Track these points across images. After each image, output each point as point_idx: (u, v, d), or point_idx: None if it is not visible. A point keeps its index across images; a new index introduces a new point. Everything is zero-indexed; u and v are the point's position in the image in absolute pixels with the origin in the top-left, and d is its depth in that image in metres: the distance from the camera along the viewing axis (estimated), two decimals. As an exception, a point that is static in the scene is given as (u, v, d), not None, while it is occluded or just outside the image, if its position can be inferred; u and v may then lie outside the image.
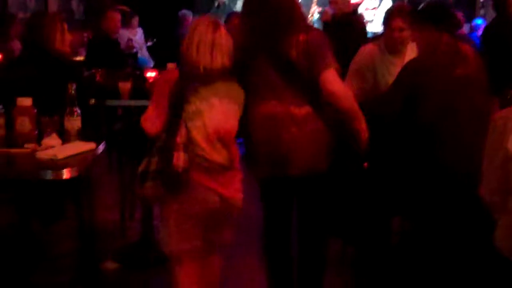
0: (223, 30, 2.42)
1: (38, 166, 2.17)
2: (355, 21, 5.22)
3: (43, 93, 2.66)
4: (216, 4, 12.62)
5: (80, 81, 2.74)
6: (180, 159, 2.31)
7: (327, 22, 5.37)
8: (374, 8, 11.11)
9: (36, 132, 2.43)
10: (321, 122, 2.58)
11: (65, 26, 3.35)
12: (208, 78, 2.39)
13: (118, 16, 5.95)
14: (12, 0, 6.95)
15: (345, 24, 5.03)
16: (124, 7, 6.47)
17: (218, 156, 2.42)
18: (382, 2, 11.45)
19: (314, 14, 12.20)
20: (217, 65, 2.38)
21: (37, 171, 2.12)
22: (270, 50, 2.56)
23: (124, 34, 8.28)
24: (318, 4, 12.15)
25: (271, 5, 2.57)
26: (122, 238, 4.29)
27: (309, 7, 12.19)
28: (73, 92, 2.43)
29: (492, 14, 6.47)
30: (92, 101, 3.45)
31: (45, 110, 2.48)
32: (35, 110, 2.45)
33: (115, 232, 4.33)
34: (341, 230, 3.15)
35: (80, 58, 7.27)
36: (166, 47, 9.17)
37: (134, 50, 8.52)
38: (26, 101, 2.41)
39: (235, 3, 13.60)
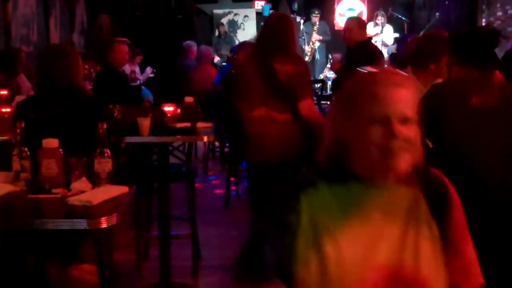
0: None
1: (71, 213, 1.99)
2: (371, 47, 5.12)
3: (70, 133, 2.50)
4: (216, 33, 12.61)
5: (105, 118, 2.57)
6: None
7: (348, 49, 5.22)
8: (376, 35, 11.11)
9: (64, 175, 2.26)
10: (297, 125, 3.56)
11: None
12: None
13: (125, 49, 5.84)
14: (15, 34, 6.85)
15: (363, 52, 4.92)
16: (125, 39, 6.35)
17: None
18: (384, 28, 11.47)
19: (315, 42, 12.22)
20: None
21: (71, 220, 1.92)
22: (265, 73, 3.55)
23: (126, 67, 8.20)
24: (319, 33, 12.18)
25: (270, 39, 3.60)
26: (138, 279, 4.13)
27: (311, 35, 12.20)
28: (103, 131, 2.25)
29: None
30: (111, 138, 3.30)
31: (72, 151, 2.30)
32: (62, 152, 2.28)
33: (130, 273, 4.17)
34: None
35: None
36: (168, 78, 9.11)
37: (138, 82, 8.43)
38: (52, 142, 2.23)
39: (236, 32, 13.62)
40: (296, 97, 3.53)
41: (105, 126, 2.22)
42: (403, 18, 12.05)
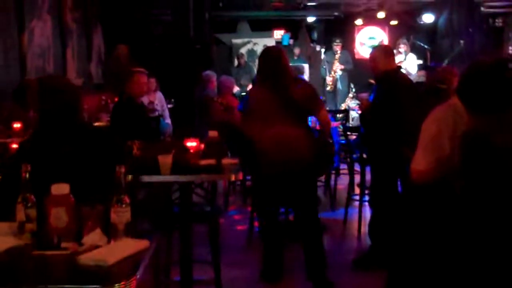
0: None
1: (82, 276, 1.66)
2: (400, 77, 4.76)
3: (83, 177, 2.18)
4: (236, 63, 12.40)
5: (124, 160, 2.24)
6: None
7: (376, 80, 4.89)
8: (400, 62, 10.80)
9: (75, 226, 1.93)
10: (309, 139, 4.24)
11: None
12: None
13: (144, 79, 5.59)
14: (30, 65, 6.63)
15: (391, 82, 4.59)
16: (144, 69, 6.11)
17: None
18: (407, 56, 11.17)
19: (337, 71, 11.95)
20: None
21: (81, 285, 1.57)
22: (281, 94, 4.14)
23: (144, 98, 7.95)
24: (340, 62, 11.93)
25: (277, 69, 4.19)
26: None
27: (332, 65, 11.94)
28: (121, 175, 1.93)
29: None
30: (129, 177, 2.99)
31: (85, 198, 1.98)
32: (73, 199, 1.95)
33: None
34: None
35: (101, 123, 6.92)
36: (187, 109, 8.85)
37: (157, 113, 8.18)
38: (62, 188, 1.90)
39: (255, 62, 13.40)
40: (308, 113, 4.33)
41: (123, 169, 1.89)
42: (426, 46, 11.78)
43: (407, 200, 2.99)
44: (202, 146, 3.52)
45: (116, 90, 6.74)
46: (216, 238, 3.76)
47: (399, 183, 4.83)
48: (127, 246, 1.81)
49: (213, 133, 3.57)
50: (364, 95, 4.87)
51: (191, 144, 3.41)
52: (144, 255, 1.80)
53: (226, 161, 3.36)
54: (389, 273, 3.04)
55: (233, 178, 3.21)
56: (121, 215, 1.87)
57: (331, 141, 4.73)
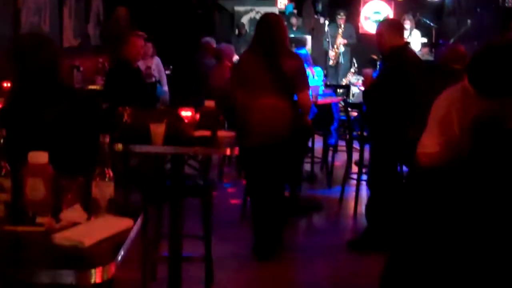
0: None
1: (55, 257, 1.49)
2: (407, 54, 4.54)
3: (64, 146, 1.99)
4: (236, 32, 12.13)
5: (110, 128, 2.05)
6: None
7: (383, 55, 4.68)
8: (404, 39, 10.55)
9: (53, 200, 1.73)
10: (292, 112, 4.22)
11: None
12: None
13: (141, 43, 5.39)
14: (25, 22, 6.39)
15: (397, 60, 4.37)
16: (142, 33, 5.89)
17: None
18: (412, 33, 10.92)
19: (339, 46, 11.70)
20: None
21: (54, 271, 1.36)
22: (271, 66, 4.09)
23: (141, 63, 7.73)
24: (343, 36, 11.66)
25: (272, 38, 4.12)
26: (143, 302, 3.66)
27: (335, 39, 11.69)
28: (106, 146, 1.71)
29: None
30: (120, 146, 2.81)
31: (65, 169, 1.79)
32: (52, 170, 1.74)
33: (134, 295, 3.70)
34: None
35: (96, 86, 6.72)
36: (186, 77, 8.63)
37: (153, 79, 7.96)
38: (40, 157, 1.71)
39: (257, 32, 13.12)
40: (295, 87, 4.22)
41: (107, 139, 1.70)
42: (432, 24, 11.54)
43: (412, 184, 2.83)
44: (197, 116, 3.33)
45: (112, 54, 6.52)
46: (209, 214, 3.60)
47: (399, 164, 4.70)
48: (108, 225, 1.63)
49: (209, 103, 3.37)
50: (368, 70, 4.66)
51: (185, 113, 3.23)
52: (126, 236, 1.62)
53: (221, 133, 3.18)
54: (389, 256, 2.91)
55: (228, 152, 3.02)
56: (103, 189, 1.68)
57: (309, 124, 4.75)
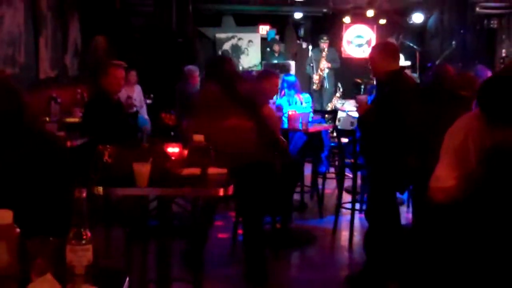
0: None
1: None
2: (405, 79, 4.33)
3: (31, 200, 1.69)
4: (219, 59, 11.94)
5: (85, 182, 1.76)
6: None
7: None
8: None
9: (20, 267, 1.45)
10: (259, 132, 4.34)
11: None
12: None
13: (121, 74, 5.11)
14: (-2, 54, 6.11)
15: (394, 85, 4.16)
16: (122, 63, 5.65)
17: None
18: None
19: (324, 69, 11.55)
20: None
21: None
22: (231, 92, 4.35)
23: (122, 92, 7.48)
24: (327, 60, 11.52)
25: (226, 71, 4.47)
26: None
27: (319, 63, 11.54)
28: (82, 201, 1.45)
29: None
30: (100, 190, 2.53)
31: (33, 229, 1.49)
32: (18, 230, 1.46)
33: None
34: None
35: (74, 119, 6.43)
36: (167, 105, 8.38)
37: (135, 109, 7.71)
38: (3, 216, 1.45)
39: (239, 58, 12.95)
40: (255, 104, 4.48)
41: (84, 194, 1.41)
42: (415, 46, 11.46)
43: (426, 221, 2.61)
44: (186, 152, 3.05)
45: (93, 84, 6.25)
46: (201, 258, 3.30)
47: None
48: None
49: (198, 137, 3.11)
50: (363, 97, 4.44)
51: (172, 150, 2.95)
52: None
53: (212, 170, 2.91)
54: None
55: (221, 193, 2.70)
56: (80, 254, 1.38)
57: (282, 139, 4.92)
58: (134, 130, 5.87)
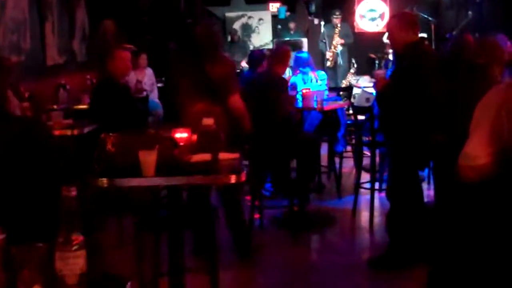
0: None
1: None
2: (426, 50, 4.10)
3: (15, 200, 1.49)
4: (229, 39, 11.71)
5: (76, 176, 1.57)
6: None
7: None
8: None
9: (5, 277, 1.28)
10: (227, 115, 4.15)
11: None
12: None
13: (128, 56, 4.92)
14: (3, 41, 5.95)
15: (413, 56, 3.94)
16: (131, 46, 5.47)
17: None
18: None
19: (337, 46, 11.28)
20: None
21: None
22: (200, 75, 4.19)
23: (131, 76, 7.31)
24: (340, 36, 11.25)
25: (198, 44, 4.27)
26: None
27: (332, 39, 11.27)
28: (72, 201, 1.25)
29: None
30: (104, 182, 2.37)
31: (19, 234, 1.31)
32: (4, 235, 1.28)
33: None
34: None
35: (82, 106, 6.28)
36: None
37: (145, 93, 7.53)
38: None
39: (250, 37, 12.71)
40: (225, 92, 4.22)
41: (74, 192, 1.23)
42: (430, 18, 11.14)
43: (457, 200, 2.42)
44: (195, 137, 2.87)
45: (98, 70, 6.09)
46: (214, 247, 3.14)
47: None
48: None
49: (208, 121, 2.92)
50: (381, 72, 4.24)
51: (180, 135, 2.77)
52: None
53: (224, 155, 2.73)
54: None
55: (233, 180, 2.51)
56: (71, 262, 1.19)
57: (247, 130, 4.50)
58: (143, 115, 5.70)
